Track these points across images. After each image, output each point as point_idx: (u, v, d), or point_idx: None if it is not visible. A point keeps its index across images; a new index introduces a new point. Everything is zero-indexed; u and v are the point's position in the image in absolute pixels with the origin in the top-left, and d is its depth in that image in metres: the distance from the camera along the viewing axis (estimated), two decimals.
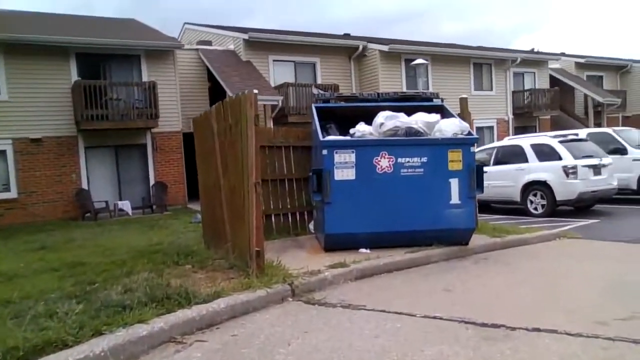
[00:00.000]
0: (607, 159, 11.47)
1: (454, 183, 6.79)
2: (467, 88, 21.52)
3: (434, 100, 8.20)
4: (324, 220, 6.63)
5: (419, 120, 7.18)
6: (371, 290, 5.06)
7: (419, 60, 16.84)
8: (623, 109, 28.29)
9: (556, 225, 9.62)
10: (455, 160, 6.81)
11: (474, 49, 22.90)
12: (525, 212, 11.43)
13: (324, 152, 6.50)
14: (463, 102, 8.43)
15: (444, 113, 7.62)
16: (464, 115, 8.09)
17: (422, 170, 6.71)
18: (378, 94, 8.36)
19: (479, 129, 22.07)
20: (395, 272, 5.90)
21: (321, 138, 6.64)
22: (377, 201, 6.56)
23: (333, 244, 6.59)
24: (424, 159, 6.73)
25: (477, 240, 7.26)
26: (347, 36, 22.82)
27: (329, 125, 7.52)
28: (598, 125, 24.53)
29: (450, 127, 7.05)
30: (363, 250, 6.56)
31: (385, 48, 19.51)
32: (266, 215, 8.04)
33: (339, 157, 6.50)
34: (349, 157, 6.52)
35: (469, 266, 6.30)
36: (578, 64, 27.50)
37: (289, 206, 8.50)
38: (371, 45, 20.06)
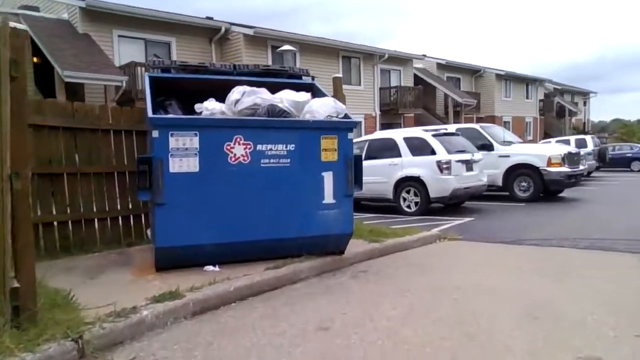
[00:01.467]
0: (478, 155, 11.08)
1: (328, 178, 5.38)
2: None
3: (304, 78, 6.74)
4: (154, 228, 4.80)
5: (286, 98, 5.66)
6: (214, 337, 3.40)
7: (287, 47, 15.43)
8: (477, 110, 29.90)
9: (432, 224, 8.83)
10: (329, 149, 5.40)
11: (343, 42, 22.10)
12: (397, 210, 10.58)
13: (155, 134, 4.66)
14: (337, 82, 7.09)
15: (315, 93, 6.20)
16: (339, 97, 6.75)
17: (288, 160, 5.19)
18: (234, 65, 6.65)
19: None
20: (252, 299, 4.31)
21: (150, 114, 4.79)
22: (229, 201, 4.90)
23: (167, 261, 4.79)
24: (291, 147, 5.21)
25: (353, 246, 5.97)
26: (209, 19, 20.73)
27: (168, 102, 5.68)
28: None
29: (323, 107, 5.63)
30: (210, 268, 4.87)
31: (250, 32, 17.84)
32: (87, 220, 6.00)
33: (176, 141, 4.70)
34: (191, 142, 4.75)
35: (347, 283, 4.94)
36: (439, 65, 28.46)
37: (119, 207, 6.44)
38: (235, 29, 18.24)
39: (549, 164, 11.83)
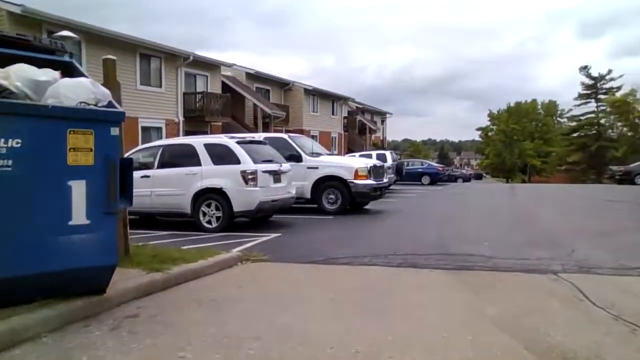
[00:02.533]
0: (287, 165, 10.25)
1: (79, 189, 3.77)
2: (133, 81, 18.50)
3: (57, 53, 4.95)
4: None
5: (16, 73, 3.92)
6: None
7: (66, 33, 12.79)
8: (286, 123, 29.93)
9: (236, 242, 7.63)
10: (81, 148, 3.81)
11: (142, 39, 19.74)
12: (197, 226, 9.14)
13: None
14: (109, 64, 5.52)
15: (73, 74, 4.50)
16: (110, 84, 5.14)
17: (8, 163, 3.46)
18: None
19: (146, 129, 19.19)
20: None
21: None
22: None
23: None
24: (15, 143, 3.49)
25: (124, 280, 4.46)
26: None
27: None
28: None
29: (75, 90, 4.01)
30: None
31: (17, 10, 14.52)
32: None
33: None
34: None
35: (101, 340, 3.40)
36: (249, 75, 27.74)
37: None
38: None
39: (356, 176, 11.59)
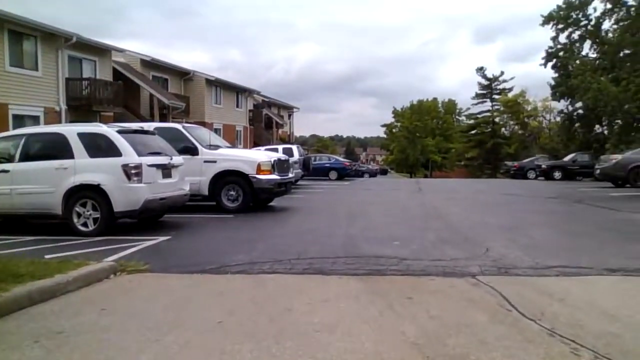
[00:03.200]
0: (178, 159, 9.09)
1: None
2: (0, 61, 16.08)
3: None
4: None
5: None
6: None
7: None
8: (187, 115, 28.21)
9: (114, 248, 6.52)
10: None
11: (11, 13, 17.01)
12: (72, 230, 7.76)
13: None
14: None
15: None
16: None
17: None
18: None
19: (18, 118, 16.79)
20: None
21: None
22: None
23: None
24: None
25: None
26: None
27: None
28: None
29: None
30: None
31: None
32: None
33: None
34: None
35: None
36: (145, 62, 25.68)
37: None
38: None
39: (259, 170, 10.67)
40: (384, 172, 79.48)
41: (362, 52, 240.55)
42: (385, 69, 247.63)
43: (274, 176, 10.93)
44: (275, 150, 22.00)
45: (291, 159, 20.56)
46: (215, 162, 10.78)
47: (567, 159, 28.94)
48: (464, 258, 5.65)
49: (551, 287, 4.47)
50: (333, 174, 28.19)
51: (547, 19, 34.66)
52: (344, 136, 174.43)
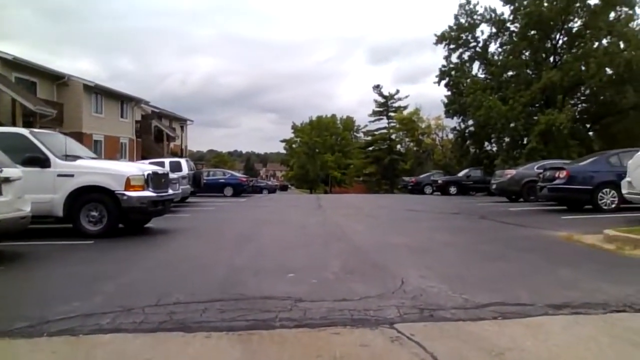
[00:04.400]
0: (14, 171, 7.00)
1: None
2: None
3: None
4: None
5: None
6: None
7: None
8: (60, 124, 24.99)
9: None
10: None
11: None
12: None
13: None
14: None
15: None
16: None
17: None
18: None
19: None
20: None
21: None
22: None
23: None
24: None
25: None
26: None
27: None
28: None
29: None
30: None
31: None
32: None
33: None
34: None
35: None
36: (5, 62, 22.23)
37: None
38: None
39: (128, 186, 8.78)
40: (284, 188, 78.62)
41: (261, 67, 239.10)
42: (284, 84, 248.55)
43: (148, 193, 9.09)
44: (161, 164, 19.85)
45: (178, 174, 18.64)
46: (72, 176, 8.72)
47: (461, 174, 29.64)
48: (376, 296, 4.37)
49: (494, 338, 3.30)
50: (228, 190, 26.41)
51: (440, 39, 35.84)
52: (244, 152, 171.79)
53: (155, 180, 9.49)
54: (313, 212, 14.70)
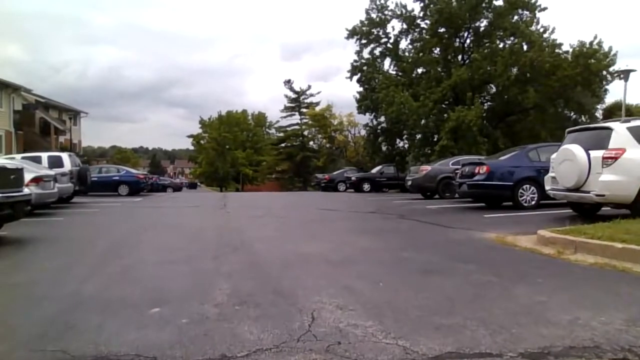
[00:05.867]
0: None
1: None
2: None
3: None
4: None
5: None
6: None
7: None
8: None
9: None
10: None
11: None
12: None
13: None
14: None
15: None
16: None
17: None
18: None
19: None
20: None
21: None
22: None
23: None
24: None
25: None
26: None
27: None
28: None
29: None
30: None
31: None
32: None
33: None
34: None
35: None
36: None
37: None
38: None
39: None
40: (192, 186, 74.99)
41: (167, 60, 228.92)
42: (193, 79, 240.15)
43: None
44: (37, 159, 17.12)
45: (59, 170, 16.06)
46: None
47: (374, 171, 29.08)
48: (273, 347, 2.90)
49: None
50: (123, 189, 23.72)
51: (352, 33, 35.13)
52: (150, 148, 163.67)
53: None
54: (214, 214, 12.96)
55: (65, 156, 17.98)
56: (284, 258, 5.78)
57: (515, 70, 29.88)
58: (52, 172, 14.19)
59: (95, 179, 22.90)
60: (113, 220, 11.40)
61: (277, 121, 66.07)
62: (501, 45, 30.95)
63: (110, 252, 6.37)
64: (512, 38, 30.69)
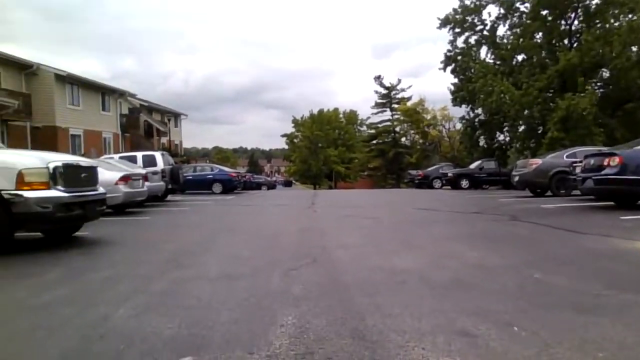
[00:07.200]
0: None
1: None
2: None
3: None
4: None
5: None
6: None
7: None
8: (29, 117, 22.53)
9: None
10: None
11: None
12: None
13: None
14: None
15: None
16: None
17: None
18: None
19: None
20: None
21: None
22: None
23: None
24: None
25: None
26: None
27: None
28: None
29: None
30: None
31: None
32: None
33: None
34: None
35: None
36: None
37: None
38: None
39: (22, 184, 6.22)
40: (288, 184, 75.93)
41: (262, 66, 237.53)
42: (285, 82, 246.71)
43: (55, 192, 6.50)
44: (132, 158, 17.38)
45: (151, 169, 16.10)
46: None
47: (473, 166, 26.88)
48: None
49: None
50: (217, 187, 23.84)
51: (444, 22, 33.04)
52: (249, 148, 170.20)
53: (69, 175, 6.87)
54: (300, 214, 12.04)
55: (158, 155, 18.17)
56: (372, 277, 4.54)
57: (635, 49, 26.23)
58: (142, 170, 14.13)
59: (191, 177, 23.22)
60: (196, 221, 10.85)
61: (368, 117, 64.90)
62: (616, 25, 27.28)
63: (171, 261, 5.55)
64: (630, 15, 26.85)
